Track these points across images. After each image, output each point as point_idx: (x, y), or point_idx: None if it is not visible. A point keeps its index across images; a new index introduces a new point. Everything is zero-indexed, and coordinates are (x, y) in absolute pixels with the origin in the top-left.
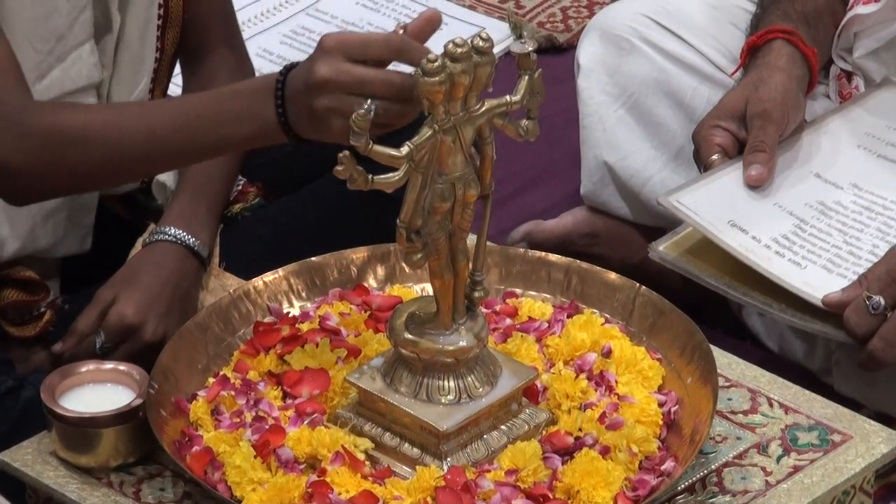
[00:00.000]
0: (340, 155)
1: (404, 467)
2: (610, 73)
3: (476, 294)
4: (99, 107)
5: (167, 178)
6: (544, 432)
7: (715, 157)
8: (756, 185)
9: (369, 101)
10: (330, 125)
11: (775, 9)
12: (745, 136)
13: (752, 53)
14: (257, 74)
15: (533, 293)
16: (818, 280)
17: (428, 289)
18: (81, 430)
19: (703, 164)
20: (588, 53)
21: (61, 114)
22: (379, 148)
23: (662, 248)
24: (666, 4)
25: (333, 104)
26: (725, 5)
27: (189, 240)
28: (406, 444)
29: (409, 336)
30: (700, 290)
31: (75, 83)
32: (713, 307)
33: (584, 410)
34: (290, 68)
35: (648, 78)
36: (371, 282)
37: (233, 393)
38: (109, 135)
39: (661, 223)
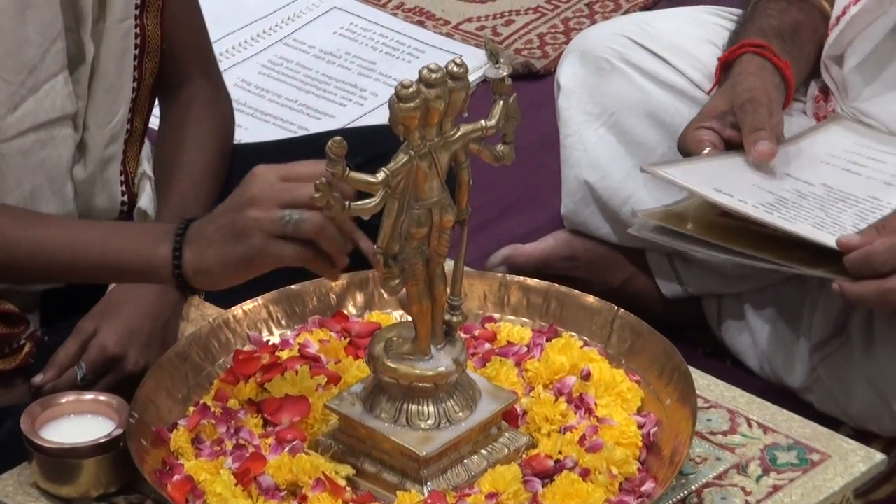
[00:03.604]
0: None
1: (385, 493)
2: (590, 93)
3: (454, 319)
4: (26, 222)
5: (147, 205)
6: (524, 456)
7: (706, 151)
8: (767, 160)
9: (291, 212)
10: (249, 239)
11: (751, 25)
12: (731, 133)
13: (725, 69)
14: (236, 106)
15: (511, 318)
16: (813, 232)
17: (406, 315)
18: (62, 461)
19: None
20: (568, 74)
21: None
22: (355, 174)
23: (642, 214)
24: (645, 25)
25: (261, 214)
26: (705, 24)
27: None
28: (387, 470)
29: (388, 362)
30: (681, 311)
31: (48, 115)
32: (693, 329)
33: (564, 433)
34: (190, 221)
35: (629, 97)
36: (350, 308)
37: (213, 421)
38: (37, 260)
39: (641, 244)
